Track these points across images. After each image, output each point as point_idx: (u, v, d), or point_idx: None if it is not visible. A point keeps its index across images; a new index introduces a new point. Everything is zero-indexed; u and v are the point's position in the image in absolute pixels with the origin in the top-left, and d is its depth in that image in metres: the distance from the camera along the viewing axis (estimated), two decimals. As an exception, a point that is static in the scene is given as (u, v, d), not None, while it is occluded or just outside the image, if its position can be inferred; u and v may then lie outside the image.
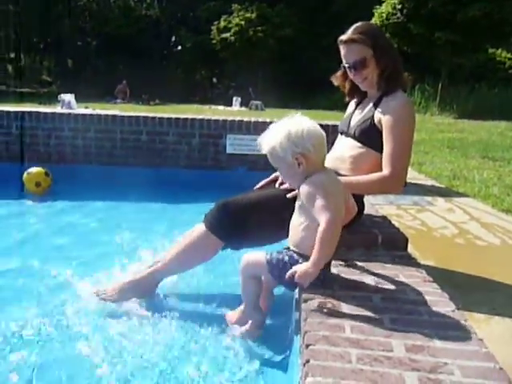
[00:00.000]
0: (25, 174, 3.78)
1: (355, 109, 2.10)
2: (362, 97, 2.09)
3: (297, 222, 1.55)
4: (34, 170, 3.81)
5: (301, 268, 1.42)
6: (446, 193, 4.19)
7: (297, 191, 1.60)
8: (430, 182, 4.68)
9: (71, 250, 2.65)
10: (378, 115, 1.91)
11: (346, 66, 1.96)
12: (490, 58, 20.87)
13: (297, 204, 1.56)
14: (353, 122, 2.04)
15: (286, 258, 1.54)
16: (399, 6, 15.27)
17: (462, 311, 1.69)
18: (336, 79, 2.10)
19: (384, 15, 15.78)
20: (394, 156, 1.84)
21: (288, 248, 1.60)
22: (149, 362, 1.57)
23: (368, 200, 2.72)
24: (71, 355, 1.62)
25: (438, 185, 4.57)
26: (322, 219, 1.41)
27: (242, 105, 16.99)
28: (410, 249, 2.55)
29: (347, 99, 2.17)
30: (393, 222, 3.05)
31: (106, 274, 2.18)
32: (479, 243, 2.74)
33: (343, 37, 1.93)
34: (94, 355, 1.60)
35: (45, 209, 3.53)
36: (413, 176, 4.79)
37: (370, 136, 1.92)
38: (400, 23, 15.38)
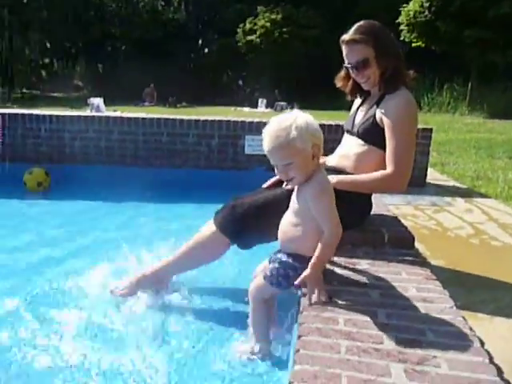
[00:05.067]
0: (26, 174, 3.95)
1: (359, 107, 2.12)
2: (365, 94, 2.10)
3: (292, 220, 1.56)
4: (35, 169, 4.01)
5: (305, 275, 1.46)
6: (467, 193, 4.12)
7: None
8: (451, 183, 4.60)
9: (84, 247, 2.78)
10: (379, 114, 1.93)
11: (349, 66, 1.99)
12: (523, 56, 20.17)
13: (292, 204, 1.59)
14: (356, 121, 2.07)
15: (277, 265, 1.57)
16: (427, 4, 14.94)
17: (466, 309, 1.71)
18: (339, 80, 2.12)
19: (411, 13, 15.47)
20: (397, 154, 1.86)
21: (279, 251, 1.62)
22: (152, 361, 1.64)
23: (382, 200, 2.75)
24: (83, 351, 1.70)
25: (459, 185, 4.49)
26: (328, 227, 1.46)
27: (267, 106, 17.06)
28: (422, 249, 2.57)
29: (350, 98, 2.19)
30: (407, 222, 3.06)
31: (118, 269, 2.28)
32: (494, 244, 2.71)
33: (345, 36, 1.94)
34: (103, 351, 1.69)
35: (56, 206, 3.68)
36: (434, 176, 4.73)
37: (372, 134, 1.95)
38: (428, 21, 15.04)
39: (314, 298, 1.45)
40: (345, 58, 1.99)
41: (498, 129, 10.34)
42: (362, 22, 1.95)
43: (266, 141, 1.48)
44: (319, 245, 1.46)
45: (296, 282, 1.47)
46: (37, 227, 3.17)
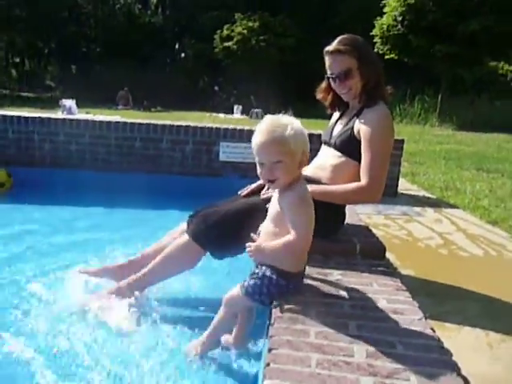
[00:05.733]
0: None
1: (338, 119, 2.14)
2: (344, 108, 2.13)
3: (270, 230, 1.53)
4: None
5: (258, 244, 1.49)
6: (437, 204, 4.22)
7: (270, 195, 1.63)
8: (421, 193, 4.71)
9: (49, 248, 2.72)
10: (357, 126, 1.95)
11: (331, 76, 2.00)
12: (490, 71, 20.97)
13: (271, 211, 1.56)
14: (334, 132, 2.09)
15: (258, 282, 1.52)
16: (400, 18, 15.36)
17: (434, 320, 1.73)
18: (320, 92, 2.14)
19: (385, 27, 15.86)
20: (371, 167, 1.88)
21: (261, 265, 1.56)
22: (118, 367, 1.61)
23: (354, 209, 2.77)
24: (49, 364, 1.64)
25: (429, 195, 4.60)
26: (294, 232, 1.43)
27: (242, 113, 17.09)
28: (393, 258, 2.60)
29: (329, 111, 2.21)
30: (379, 231, 3.10)
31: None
32: (462, 254, 2.77)
33: (329, 47, 1.97)
34: (74, 359, 1.64)
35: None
36: (405, 186, 4.83)
37: (349, 146, 1.97)
38: (400, 35, 15.46)
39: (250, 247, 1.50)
40: (327, 69, 2.01)
41: (466, 141, 10.68)
42: (345, 35, 1.99)
43: (260, 134, 1.45)
44: (284, 239, 1.44)
45: (248, 249, 1.50)
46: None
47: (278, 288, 1.51)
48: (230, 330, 1.67)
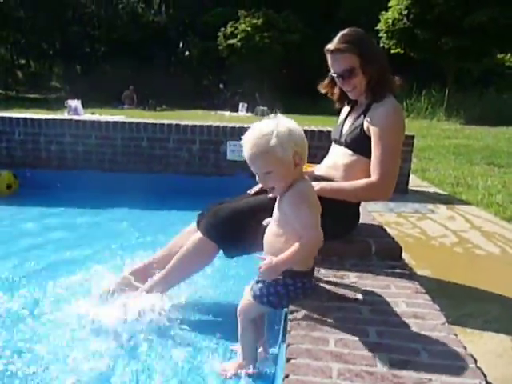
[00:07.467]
0: None
1: (347, 116, 2.08)
2: (353, 103, 2.07)
3: (275, 231, 1.49)
4: (4, 172, 3.94)
5: (268, 262, 1.37)
6: (449, 200, 4.14)
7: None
8: (432, 189, 4.63)
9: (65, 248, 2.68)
10: (367, 123, 1.89)
11: (335, 75, 1.95)
12: (498, 64, 20.69)
13: (276, 213, 1.51)
14: (344, 130, 2.03)
15: (266, 283, 1.48)
16: (405, 12, 15.18)
17: (455, 324, 1.67)
18: (323, 87, 2.07)
19: (390, 21, 15.70)
20: (382, 163, 1.82)
21: None
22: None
23: (366, 207, 2.71)
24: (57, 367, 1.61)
25: (440, 192, 4.52)
26: (307, 234, 1.36)
27: (248, 110, 17.03)
28: (407, 258, 2.53)
29: (337, 106, 2.15)
30: (392, 230, 3.03)
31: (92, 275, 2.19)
32: (478, 252, 2.70)
33: (330, 46, 1.90)
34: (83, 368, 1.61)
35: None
36: (415, 183, 4.75)
37: (360, 144, 1.90)
38: (406, 29, 15.30)
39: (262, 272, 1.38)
40: (330, 68, 1.95)
41: (475, 135, 10.54)
42: (346, 31, 1.91)
43: (246, 148, 1.41)
44: (294, 246, 1.36)
45: (261, 270, 1.38)
46: (9, 230, 3.09)
47: (285, 288, 1.47)
48: (256, 341, 1.61)
